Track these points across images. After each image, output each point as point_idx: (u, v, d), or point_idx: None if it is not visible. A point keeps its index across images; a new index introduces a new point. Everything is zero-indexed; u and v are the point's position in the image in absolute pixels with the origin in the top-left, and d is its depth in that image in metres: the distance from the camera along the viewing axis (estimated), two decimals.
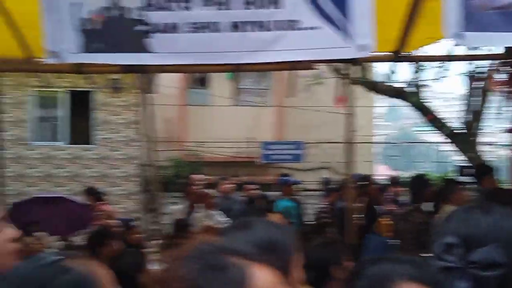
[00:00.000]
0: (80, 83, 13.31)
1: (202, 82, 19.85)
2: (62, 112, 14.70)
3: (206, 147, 18.56)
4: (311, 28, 3.87)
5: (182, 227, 7.40)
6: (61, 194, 10.23)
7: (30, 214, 8.33)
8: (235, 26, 3.89)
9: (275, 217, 2.76)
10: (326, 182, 11.32)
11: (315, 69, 7.16)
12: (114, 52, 3.84)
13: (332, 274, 3.08)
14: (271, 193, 13.81)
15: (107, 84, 14.01)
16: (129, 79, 13.72)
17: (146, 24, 3.86)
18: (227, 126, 18.48)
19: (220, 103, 18.93)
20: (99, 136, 14.63)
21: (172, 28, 3.91)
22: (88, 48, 3.83)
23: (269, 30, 3.87)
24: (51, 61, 3.75)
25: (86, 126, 14.76)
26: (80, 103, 14.48)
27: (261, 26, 3.87)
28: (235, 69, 6.11)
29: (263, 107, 19.04)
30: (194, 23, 3.89)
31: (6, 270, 1.76)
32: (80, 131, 14.81)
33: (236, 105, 19.35)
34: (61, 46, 3.75)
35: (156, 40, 3.89)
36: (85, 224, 8.13)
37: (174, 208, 9.21)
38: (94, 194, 9.52)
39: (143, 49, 3.86)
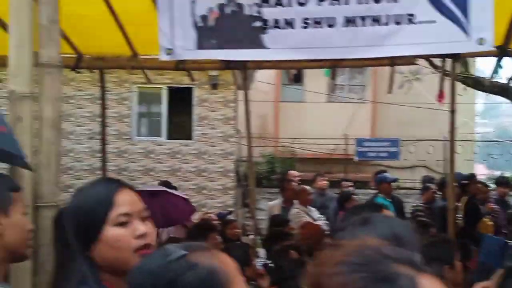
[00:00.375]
0: (181, 79, 13.63)
1: (296, 79, 19.86)
2: (163, 108, 15.07)
3: (300, 144, 18.56)
4: (427, 22, 3.79)
5: (278, 223, 7.44)
6: (162, 188, 10.50)
7: None
8: (350, 21, 3.87)
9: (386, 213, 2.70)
10: (427, 180, 10.99)
11: (415, 64, 7.01)
12: (228, 49, 3.89)
13: (443, 273, 3.01)
14: (367, 191, 13.70)
15: (206, 80, 14.26)
16: (227, 76, 13.92)
17: (262, 20, 3.89)
18: (321, 122, 18.39)
19: (314, 100, 18.87)
20: (197, 131, 14.90)
21: (287, 23, 3.93)
22: (203, 45, 3.89)
23: (384, 24, 3.82)
24: (165, 58, 3.85)
25: (186, 121, 15.05)
26: (180, 99, 14.77)
27: (376, 20, 3.83)
28: (333, 65, 6.08)
29: (358, 104, 18.84)
30: (309, 19, 3.90)
31: (129, 265, 1.84)
32: (180, 127, 15.13)
33: (331, 102, 19.24)
34: (176, 43, 3.84)
35: (271, 36, 3.91)
36: (185, 217, 8.29)
37: (270, 204, 9.26)
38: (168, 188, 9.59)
39: (258, 45, 3.89)
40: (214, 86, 14.44)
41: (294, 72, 18.59)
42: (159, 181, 10.05)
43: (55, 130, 2.91)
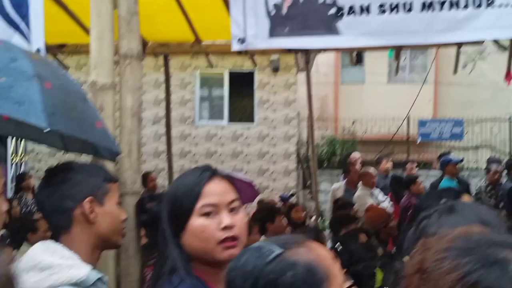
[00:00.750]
0: (242, 63, 13.71)
1: (357, 60, 19.65)
2: (225, 92, 15.18)
3: (360, 125, 18.43)
4: (506, 6, 3.70)
5: (342, 205, 7.42)
6: (227, 171, 10.60)
7: None
8: (427, 6, 3.80)
9: (465, 198, 2.67)
10: (492, 160, 10.75)
11: (480, 44, 6.84)
12: (302, 36, 3.88)
13: None
14: (430, 173, 13.52)
15: (268, 64, 14.29)
16: (288, 59, 13.90)
17: (337, 6, 3.86)
18: (382, 103, 18.19)
19: (375, 81, 18.67)
20: (259, 115, 14.96)
21: (362, 10, 3.89)
22: (275, 33, 3.89)
23: (464, 8, 3.74)
24: (238, 47, 3.87)
25: (247, 105, 15.12)
26: (242, 82, 14.84)
27: (454, 4, 3.75)
28: (398, 46, 5.99)
29: (420, 84, 18.52)
30: (385, 4, 3.85)
31: (215, 257, 1.86)
32: (242, 110, 15.21)
33: (392, 83, 18.98)
34: (249, 32, 3.84)
35: (345, 23, 3.87)
36: (249, 200, 8.37)
37: (334, 186, 9.25)
38: None
39: (332, 32, 3.86)
40: (275, 70, 14.46)
41: (356, 54, 18.37)
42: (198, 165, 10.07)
43: (135, 119, 3.00)
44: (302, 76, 12.56)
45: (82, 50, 6.57)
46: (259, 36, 3.86)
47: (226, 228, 1.85)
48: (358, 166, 8.94)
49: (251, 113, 15.11)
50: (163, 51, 7.15)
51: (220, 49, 7.47)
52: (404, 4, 3.84)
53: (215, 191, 1.88)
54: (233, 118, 15.19)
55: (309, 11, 3.82)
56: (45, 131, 2.05)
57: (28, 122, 2.08)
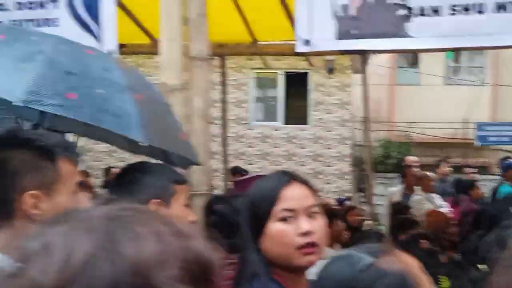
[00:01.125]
0: (297, 64, 13.66)
1: (413, 61, 19.42)
2: (280, 92, 15.18)
3: (416, 128, 18.16)
4: None
5: (399, 210, 7.30)
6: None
7: None
8: (501, 7, 3.70)
9: None
10: None
11: None
12: (370, 38, 3.82)
13: None
14: (488, 177, 13.20)
15: (323, 65, 14.21)
16: (343, 60, 13.81)
17: (407, 8, 3.79)
18: (438, 105, 17.89)
19: (430, 82, 18.39)
20: (314, 116, 14.90)
21: (433, 11, 3.80)
22: (342, 35, 3.83)
23: None
24: (302, 49, 3.83)
25: (302, 106, 15.08)
26: (297, 84, 14.82)
27: None
28: (457, 48, 5.84)
29: (478, 86, 18.16)
30: (457, 5, 3.76)
31: (293, 262, 1.84)
32: (296, 111, 15.17)
33: (449, 84, 18.66)
34: (314, 34, 3.80)
35: (415, 24, 3.78)
36: None
37: (391, 190, 9.12)
38: (239, 172, 9.59)
39: (401, 34, 3.79)
40: (331, 71, 14.38)
41: (407, 55, 18.17)
42: (231, 167, 10.01)
43: (204, 120, 3.02)
44: (357, 77, 12.45)
45: (140, 50, 6.67)
46: (325, 37, 3.81)
47: (304, 234, 1.82)
48: (415, 169, 8.80)
49: (305, 114, 15.06)
50: (221, 52, 7.19)
51: (277, 50, 7.46)
52: (477, 6, 3.73)
53: (293, 196, 1.86)
54: (288, 119, 15.18)
55: (378, 13, 3.75)
56: (143, 144, 2.08)
57: (126, 135, 2.11)
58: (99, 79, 2.09)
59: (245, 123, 14.97)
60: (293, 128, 15.00)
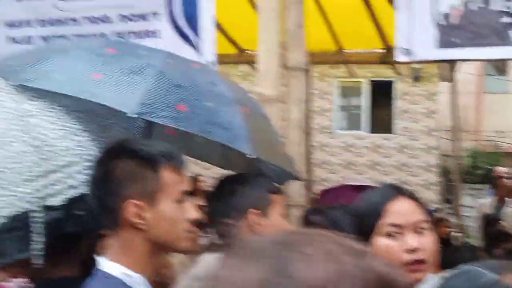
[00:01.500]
0: (382, 73, 13.48)
1: (501, 69, 18.83)
2: (364, 101, 15.02)
3: (506, 137, 17.60)
4: None
5: (490, 222, 7.09)
6: (368, 183, 10.48)
7: (339, 201, 8.66)
8: None
9: None
10: None
11: None
12: (472, 47, 3.70)
13: None
14: None
15: (409, 73, 13.96)
16: (430, 68, 13.53)
17: (511, 15, 3.65)
18: None
19: None
20: (399, 125, 14.66)
21: None
22: (444, 44, 3.75)
23: None
24: (402, 58, 3.77)
25: (387, 115, 14.87)
26: (381, 92, 14.64)
27: None
28: None
29: None
30: None
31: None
32: (381, 120, 14.98)
33: None
34: (415, 43, 3.74)
35: None
36: None
37: (482, 201, 8.85)
38: None
39: (505, 42, 3.66)
40: (416, 79, 14.12)
41: (495, 63, 17.62)
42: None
43: (300, 131, 3.02)
44: (443, 85, 12.16)
45: (226, 60, 6.77)
46: (426, 46, 3.73)
47: (412, 250, 1.77)
48: (506, 180, 8.51)
49: (389, 123, 14.84)
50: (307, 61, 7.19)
51: (363, 58, 7.40)
52: None
53: (400, 211, 1.81)
54: (372, 128, 15.02)
55: (481, 20, 3.63)
56: (251, 156, 2.10)
57: (235, 148, 2.14)
58: (207, 92, 2.13)
59: (329, 132, 14.89)
60: (377, 137, 14.81)
